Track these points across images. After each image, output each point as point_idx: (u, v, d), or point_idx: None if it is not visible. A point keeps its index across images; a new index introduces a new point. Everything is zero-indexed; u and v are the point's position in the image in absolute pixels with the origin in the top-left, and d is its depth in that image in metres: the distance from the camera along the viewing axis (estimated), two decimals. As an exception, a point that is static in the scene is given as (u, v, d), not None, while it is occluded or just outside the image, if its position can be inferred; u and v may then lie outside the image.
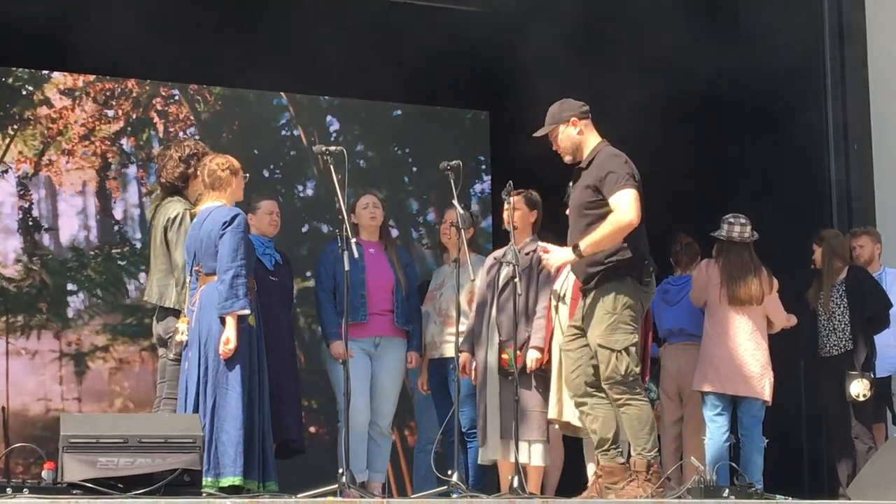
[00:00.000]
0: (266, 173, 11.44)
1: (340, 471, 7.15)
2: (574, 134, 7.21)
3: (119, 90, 11.09)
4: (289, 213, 10.24)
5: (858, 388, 8.75)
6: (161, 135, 11.07)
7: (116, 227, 10.91)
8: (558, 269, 7.80)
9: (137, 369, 10.72)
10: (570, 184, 7.34)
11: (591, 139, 7.24)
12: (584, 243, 7.05)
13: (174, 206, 7.55)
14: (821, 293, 9.08)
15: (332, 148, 7.53)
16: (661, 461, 8.86)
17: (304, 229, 11.53)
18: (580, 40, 10.68)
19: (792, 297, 8.94)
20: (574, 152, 7.25)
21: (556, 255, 7.27)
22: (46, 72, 10.90)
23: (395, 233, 10.03)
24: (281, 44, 10.62)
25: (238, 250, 7.10)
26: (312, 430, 10.88)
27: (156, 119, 11.15)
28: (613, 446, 7.15)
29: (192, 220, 7.41)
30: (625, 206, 6.98)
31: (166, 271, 7.51)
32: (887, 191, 10.16)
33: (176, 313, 7.44)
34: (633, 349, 7.04)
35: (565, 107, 7.25)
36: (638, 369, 7.08)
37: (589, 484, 7.37)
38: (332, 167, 7.48)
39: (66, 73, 10.92)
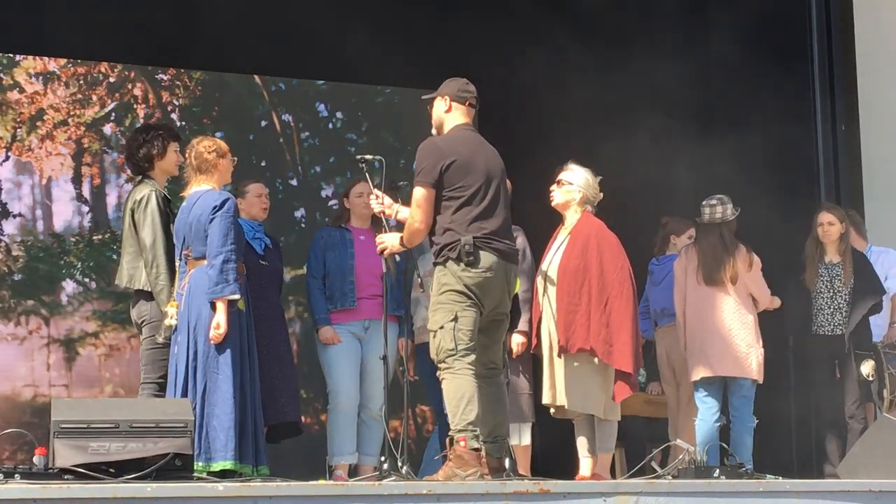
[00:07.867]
0: (254, 160, 11.32)
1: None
2: (441, 110, 7.20)
3: (92, 75, 10.88)
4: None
5: (867, 369, 8.84)
6: (141, 120, 10.89)
7: (91, 214, 10.78)
8: (545, 251, 7.83)
9: (128, 356, 10.63)
10: None
11: (452, 121, 7.17)
12: (404, 235, 7.10)
13: (141, 189, 7.58)
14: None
15: (369, 157, 7.55)
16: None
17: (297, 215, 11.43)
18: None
19: (776, 276, 8.94)
20: (438, 127, 7.22)
21: (388, 242, 7.24)
22: (15, 56, 10.65)
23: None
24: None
25: (228, 235, 7.09)
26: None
27: (136, 105, 11.00)
28: (490, 438, 7.03)
29: (159, 201, 7.45)
30: (412, 211, 7.03)
31: (135, 253, 7.51)
32: (875, 171, 10.18)
33: (147, 295, 7.44)
34: (451, 324, 6.86)
35: (450, 84, 7.21)
36: (453, 345, 6.84)
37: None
38: (367, 174, 7.52)
39: (35, 57, 10.66)
